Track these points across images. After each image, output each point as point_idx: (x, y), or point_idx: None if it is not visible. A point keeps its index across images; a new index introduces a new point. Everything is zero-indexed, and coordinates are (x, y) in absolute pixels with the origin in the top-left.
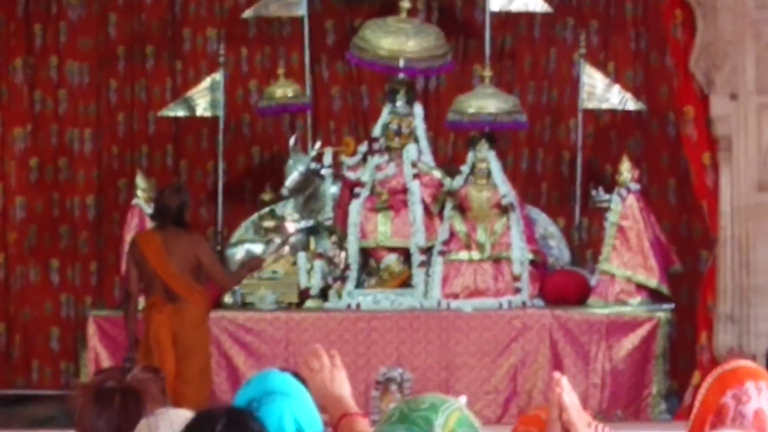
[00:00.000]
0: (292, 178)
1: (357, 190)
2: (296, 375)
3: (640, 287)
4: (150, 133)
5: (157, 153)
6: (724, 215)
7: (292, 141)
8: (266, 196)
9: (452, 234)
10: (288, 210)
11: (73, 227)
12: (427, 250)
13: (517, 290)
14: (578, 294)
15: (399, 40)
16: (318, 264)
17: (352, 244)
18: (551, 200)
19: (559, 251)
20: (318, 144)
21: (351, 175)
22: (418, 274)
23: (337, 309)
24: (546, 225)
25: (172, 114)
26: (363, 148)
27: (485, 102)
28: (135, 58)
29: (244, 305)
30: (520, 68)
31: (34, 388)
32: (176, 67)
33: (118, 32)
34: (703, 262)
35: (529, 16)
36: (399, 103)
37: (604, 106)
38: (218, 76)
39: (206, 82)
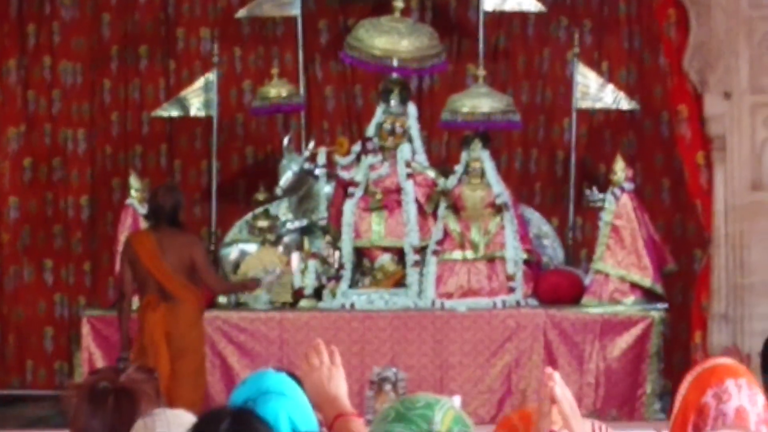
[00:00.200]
0: (285, 177)
1: (351, 189)
2: (291, 375)
3: (634, 286)
4: (144, 133)
5: (151, 153)
6: (718, 214)
7: (285, 141)
8: (260, 196)
9: (446, 233)
10: (282, 210)
11: (66, 227)
12: (421, 250)
13: (511, 290)
14: (572, 293)
15: (392, 40)
16: (312, 264)
17: (346, 243)
18: (545, 200)
19: (553, 251)
20: (312, 144)
21: (345, 174)
22: (412, 274)
23: (331, 309)
24: (540, 224)
25: (165, 114)
26: (357, 147)
27: (479, 101)
28: (128, 58)
29: (238, 305)
30: (513, 68)
31: (28, 388)
32: (170, 67)
33: (112, 32)
34: (697, 262)
35: (522, 16)
36: (393, 103)
37: (598, 105)
38: (212, 76)
39: (200, 82)
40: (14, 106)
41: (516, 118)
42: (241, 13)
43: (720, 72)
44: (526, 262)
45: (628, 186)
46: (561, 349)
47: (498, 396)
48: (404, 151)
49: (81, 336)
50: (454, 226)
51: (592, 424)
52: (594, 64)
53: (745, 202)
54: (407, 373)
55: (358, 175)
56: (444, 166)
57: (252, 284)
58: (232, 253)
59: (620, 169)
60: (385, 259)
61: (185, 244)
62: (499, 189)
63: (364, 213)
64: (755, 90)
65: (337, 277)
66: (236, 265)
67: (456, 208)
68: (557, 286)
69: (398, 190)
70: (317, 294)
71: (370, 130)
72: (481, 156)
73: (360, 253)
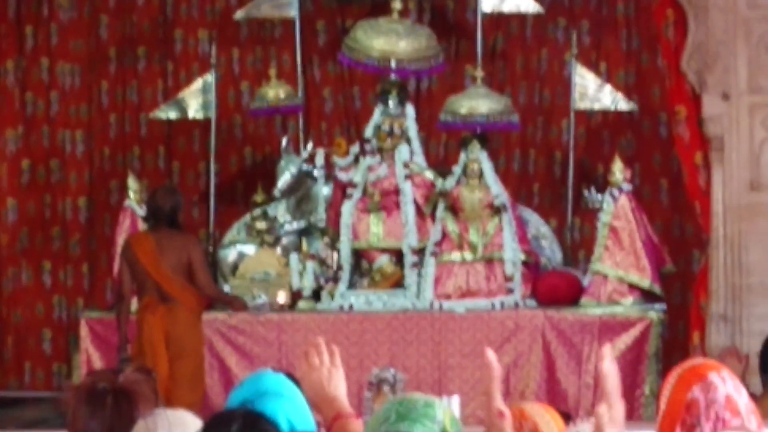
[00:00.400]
0: (284, 179)
1: (349, 191)
2: (289, 375)
3: (633, 287)
4: (141, 135)
5: (149, 154)
6: (717, 215)
7: (284, 142)
8: (258, 198)
9: (444, 235)
10: (280, 211)
11: (64, 229)
12: (420, 251)
13: (510, 291)
14: (571, 294)
15: (390, 41)
16: (310, 265)
17: (345, 245)
18: (543, 200)
19: (551, 251)
20: (310, 145)
21: (343, 176)
22: (410, 275)
23: (329, 310)
24: (538, 225)
25: (163, 115)
26: (355, 149)
27: (477, 102)
28: (126, 60)
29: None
30: (511, 69)
31: (26, 390)
32: (168, 69)
33: (110, 34)
34: (696, 262)
35: (520, 17)
36: (391, 104)
37: (596, 106)
38: (210, 77)
39: (198, 83)
40: (12, 108)
41: (514, 119)
42: (239, 14)
43: (718, 72)
44: (524, 263)
45: (627, 187)
46: (559, 350)
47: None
48: (402, 152)
49: (79, 338)
50: (453, 227)
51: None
52: (592, 65)
53: (744, 202)
54: (406, 374)
55: (356, 176)
56: (442, 167)
57: (239, 305)
58: (230, 254)
59: (618, 170)
60: (383, 261)
61: (184, 245)
62: (497, 190)
63: (363, 214)
64: (753, 90)
65: (336, 279)
66: (235, 267)
67: (454, 209)
68: (556, 287)
69: (396, 191)
70: (315, 295)
71: (368, 131)
72: (479, 157)
73: (358, 254)
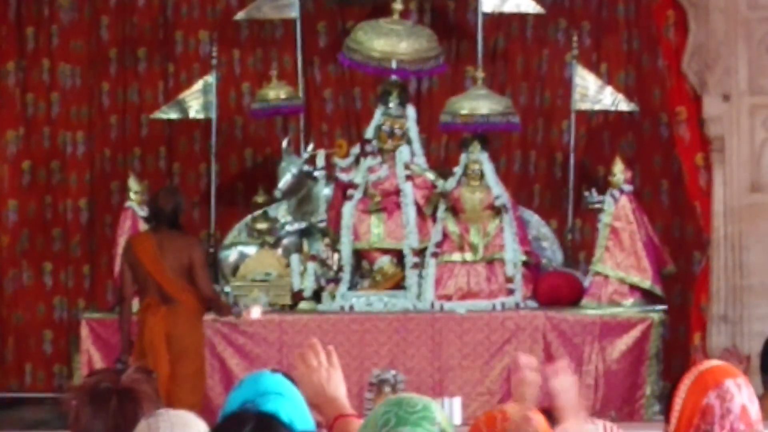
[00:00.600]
0: (285, 180)
1: (350, 191)
2: (286, 376)
3: (634, 288)
4: (142, 136)
5: (150, 155)
6: (717, 216)
7: (284, 143)
8: (259, 198)
9: (445, 235)
10: (281, 212)
11: (65, 230)
12: (420, 252)
13: (511, 291)
14: (571, 295)
15: (391, 42)
16: (311, 266)
17: (345, 245)
18: (544, 201)
19: (552, 252)
20: (311, 146)
21: (344, 176)
22: (411, 276)
23: (330, 311)
24: (539, 226)
25: (164, 116)
26: (356, 149)
27: (478, 103)
28: (127, 61)
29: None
30: (512, 69)
31: (27, 391)
32: (168, 70)
33: (110, 35)
34: (696, 263)
35: (521, 18)
36: (391, 105)
37: (597, 107)
38: (211, 78)
39: (199, 84)
40: (13, 109)
41: (515, 120)
42: (240, 15)
43: (719, 73)
44: (525, 264)
45: (627, 188)
46: (560, 351)
47: (497, 398)
48: (403, 153)
49: (80, 339)
50: (453, 228)
51: (604, 425)
52: (593, 66)
53: (744, 203)
54: (406, 375)
55: (357, 177)
56: (443, 168)
57: (227, 309)
58: (231, 255)
59: (619, 171)
60: (384, 261)
61: (185, 246)
62: (498, 191)
63: (363, 215)
64: (754, 91)
65: (336, 280)
66: (235, 268)
67: (455, 210)
68: (556, 288)
69: (397, 192)
70: (316, 296)
71: (369, 132)
72: (480, 158)
73: (359, 255)
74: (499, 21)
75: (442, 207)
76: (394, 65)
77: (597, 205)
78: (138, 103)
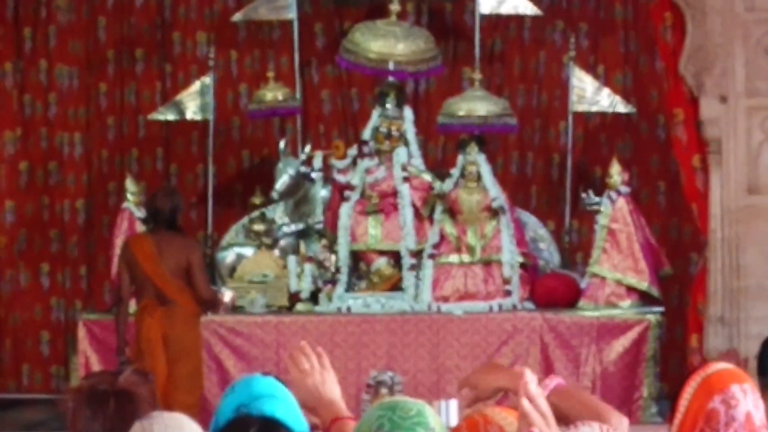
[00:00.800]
0: (282, 181)
1: (347, 193)
2: (278, 379)
3: (631, 290)
4: (140, 137)
5: (147, 156)
6: (714, 218)
7: (282, 144)
8: (256, 200)
9: (442, 237)
10: (278, 213)
11: (63, 231)
12: (418, 254)
13: (508, 293)
14: (568, 297)
15: (388, 43)
16: (308, 267)
17: (343, 247)
18: (541, 203)
19: (549, 254)
20: (308, 147)
21: (341, 178)
22: (408, 278)
23: (327, 312)
24: (536, 228)
25: (161, 117)
26: (353, 151)
27: (475, 105)
28: (124, 62)
29: (235, 309)
30: (509, 71)
31: (24, 392)
32: (166, 71)
33: (108, 36)
34: (694, 265)
35: (518, 19)
36: (389, 106)
37: (594, 108)
38: (208, 79)
39: (196, 85)
40: (10, 110)
41: (512, 121)
42: (237, 16)
43: (716, 75)
44: (522, 265)
45: (624, 189)
46: (557, 352)
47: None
48: (400, 154)
49: (77, 340)
50: (451, 229)
51: (600, 426)
52: (590, 68)
53: (741, 205)
54: (404, 377)
55: (354, 178)
56: (440, 170)
57: (219, 300)
58: (228, 256)
59: (616, 173)
60: (381, 263)
61: (183, 247)
62: (495, 192)
63: (361, 216)
64: (751, 93)
65: (334, 281)
66: (232, 269)
67: (452, 211)
68: (553, 290)
69: (394, 193)
70: (313, 298)
71: (367, 133)
72: (477, 159)
73: (356, 256)
74: (496, 22)
75: (439, 208)
76: (391, 66)
77: (594, 207)
78: (135, 104)
